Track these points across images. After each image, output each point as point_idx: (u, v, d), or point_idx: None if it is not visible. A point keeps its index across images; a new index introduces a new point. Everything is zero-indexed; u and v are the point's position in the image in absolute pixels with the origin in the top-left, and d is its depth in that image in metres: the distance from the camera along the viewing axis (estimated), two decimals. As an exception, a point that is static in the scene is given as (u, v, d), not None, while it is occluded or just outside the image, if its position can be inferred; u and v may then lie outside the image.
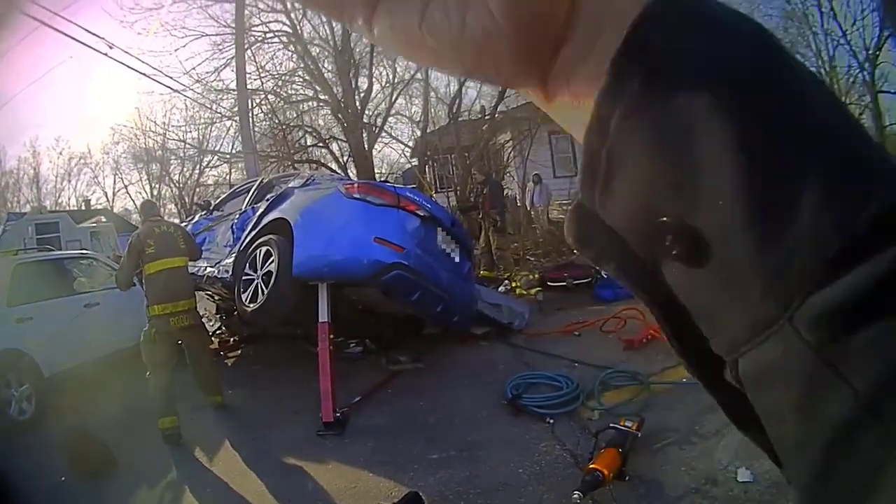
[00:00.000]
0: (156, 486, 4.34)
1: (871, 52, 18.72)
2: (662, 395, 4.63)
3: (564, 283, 8.39)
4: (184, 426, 5.15)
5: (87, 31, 9.92)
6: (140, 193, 30.25)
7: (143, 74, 11.75)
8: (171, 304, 4.96)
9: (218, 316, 8.61)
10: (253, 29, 13.03)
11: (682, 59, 0.26)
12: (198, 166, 22.47)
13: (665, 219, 0.26)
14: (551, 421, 4.29)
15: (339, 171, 11.84)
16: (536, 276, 9.06)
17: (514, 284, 8.96)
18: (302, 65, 13.49)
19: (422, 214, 5.29)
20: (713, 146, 0.25)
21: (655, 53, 0.26)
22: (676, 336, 0.31)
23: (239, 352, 7.70)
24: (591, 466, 3.25)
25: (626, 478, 3.36)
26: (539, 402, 4.52)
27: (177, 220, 12.50)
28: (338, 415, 4.59)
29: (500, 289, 8.73)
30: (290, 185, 6.09)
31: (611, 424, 3.73)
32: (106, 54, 10.35)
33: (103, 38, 10.28)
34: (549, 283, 8.51)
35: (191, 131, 17.45)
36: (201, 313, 8.67)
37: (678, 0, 0.27)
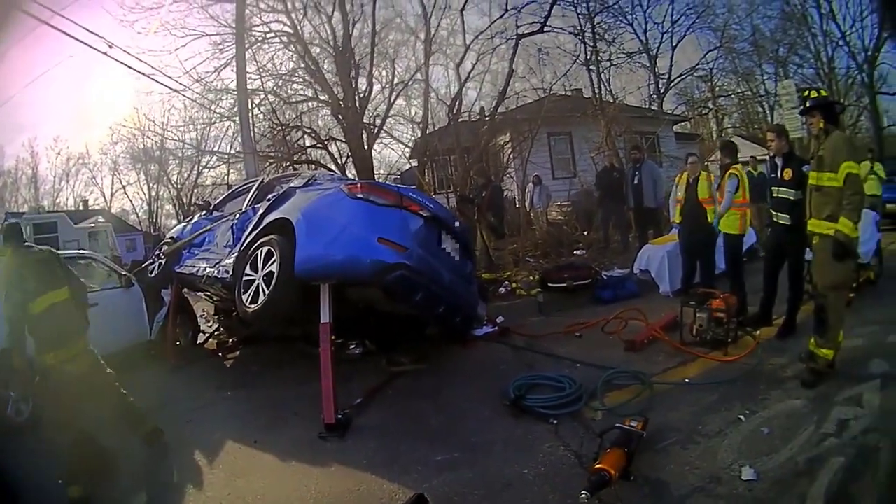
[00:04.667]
0: (155, 490, 4.29)
1: (869, 53, 18.82)
2: (665, 395, 4.67)
3: (565, 285, 8.42)
4: (183, 427, 5.14)
5: (87, 30, 9.89)
6: (138, 194, 30.39)
7: (143, 74, 11.73)
8: (63, 350, 4.27)
9: (216, 317, 8.58)
10: (253, 29, 13.02)
11: None
12: (196, 167, 22.52)
13: None
14: (555, 421, 4.32)
15: (338, 172, 11.79)
16: (536, 276, 9.09)
17: (513, 285, 9.03)
18: (302, 65, 13.47)
19: (425, 215, 5.22)
20: None
21: None
22: None
23: (237, 353, 7.68)
24: (597, 466, 3.26)
25: (632, 477, 3.39)
26: (542, 402, 4.53)
27: (174, 221, 12.47)
28: (339, 416, 4.56)
29: (500, 290, 8.72)
30: (291, 185, 6.03)
31: (616, 424, 3.75)
32: (106, 53, 10.33)
33: (103, 38, 10.26)
34: (549, 285, 8.55)
35: (189, 131, 17.48)
36: (199, 314, 8.71)
37: None
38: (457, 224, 5.75)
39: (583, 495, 3.06)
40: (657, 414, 4.22)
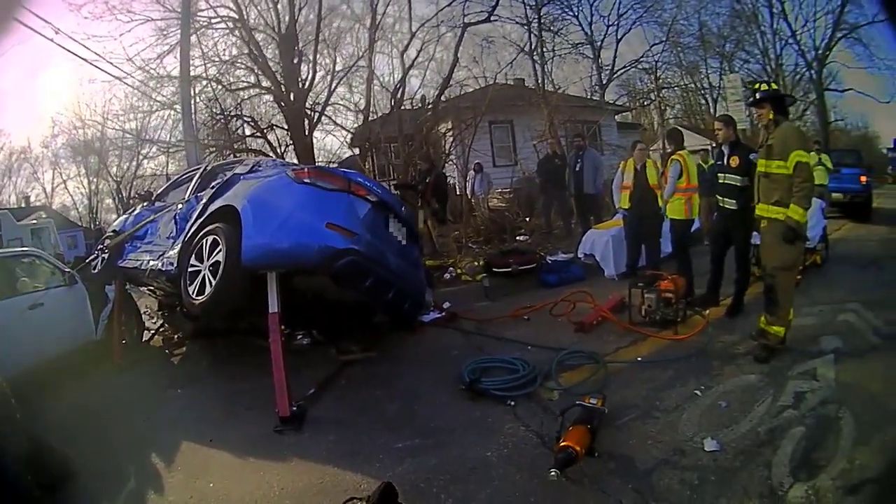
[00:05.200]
0: (117, 495, 4.11)
1: (820, 52, 19.63)
2: (619, 374, 4.79)
3: (510, 270, 8.54)
4: (137, 429, 4.96)
5: (34, 14, 9.39)
6: (78, 188, 29.22)
7: (86, 61, 11.25)
8: None
9: (160, 313, 8.33)
10: (199, 14, 12.78)
11: None
12: (136, 158, 21.84)
13: None
14: (512, 403, 4.36)
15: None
16: (481, 262, 9.19)
17: (458, 271, 9.08)
18: (246, 51, 13.31)
19: (372, 199, 5.17)
20: None
21: None
22: None
23: (184, 349, 7.47)
24: (562, 444, 3.31)
25: (596, 454, 3.44)
26: (497, 384, 4.57)
27: (114, 216, 12.11)
28: (294, 408, 4.50)
29: (445, 276, 8.76)
30: (235, 172, 5.86)
31: (577, 402, 3.83)
32: (52, 40, 9.84)
33: (50, 23, 9.78)
34: (494, 270, 8.63)
35: (130, 121, 16.87)
36: (143, 310, 8.45)
37: None
38: (403, 209, 5.73)
39: (552, 473, 3.11)
40: (613, 392, 4.32)
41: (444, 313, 6.96)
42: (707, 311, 6.00)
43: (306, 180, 4.90)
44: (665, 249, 7.40)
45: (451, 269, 9.15)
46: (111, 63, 12.00)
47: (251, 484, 3.78)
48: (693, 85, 23.84)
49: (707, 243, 7.12)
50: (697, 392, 4.27)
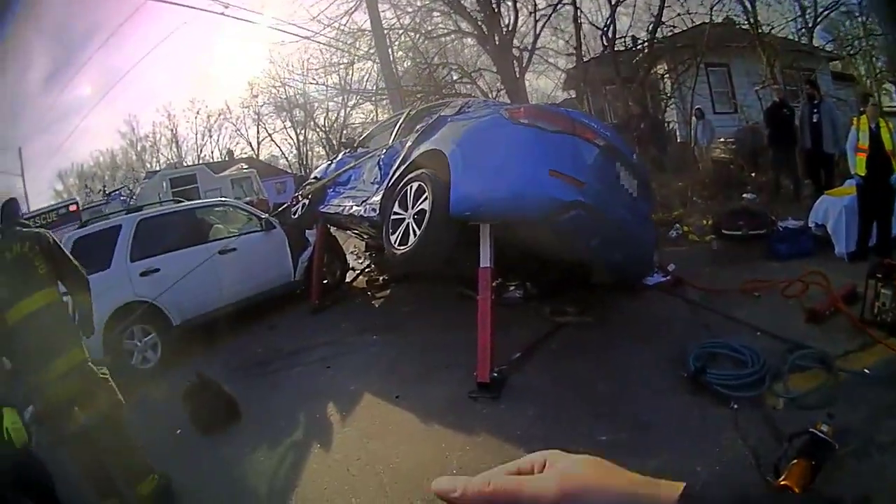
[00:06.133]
0: (280, 443, 4.03)
1: None
2: (845, 387, 3.82)
3: (740, 233, 7.54)
4: (319, 375, 4.94)
5: None
6: (286, 140, 31.62)
7: (271, 28, 11.81)
8: (44, 371, 3.31)
9: (367, 253, 8.42)
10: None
11: None
12: (343, 108, 22.80)
13: None
14: (735, 406, 3.65)
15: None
16: (710, 221, 8.14)
17: (685, 229, 8.12)
18: (438, -4, 12.92)
19: (600, 143, 4.36)
20: None
21: None
22: None
23: (388, 291, 7.47)
24: (782, 483, 2.86)
25: None
26: (724, 380, 3.86)
27: (322, 161, 12.70)
28: (495, 374, 4.06)
29: (671, 233, 7.80)
30: (441, 114, 5.37)
31: (808, 429, 3.13)
32: (222, 13, 10.38)
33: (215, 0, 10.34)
34: (723, 231, 7.68)
35: (330, 75, 17.50)
36: (351, 251, 8.58)
37: None
38: (634, 156, 4.86)
39: None
40: (837, 410, 3.39)
41: (668, 277, 6.12)
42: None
43: (524, 120, 4.22)
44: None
45: (676, 225, 8.21)
46: (294, 24, 12.35)
47: (427, 455, 3.48)
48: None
49: None
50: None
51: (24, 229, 3.63)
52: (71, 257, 3.71)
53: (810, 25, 16.98)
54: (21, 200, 5.69)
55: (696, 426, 3.52)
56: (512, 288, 6.00)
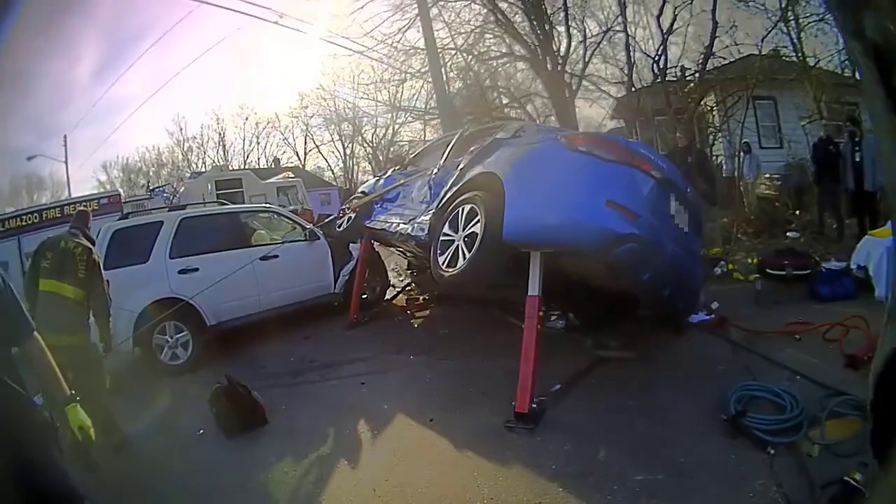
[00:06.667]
0: (305, 456, 4.00)
1: None
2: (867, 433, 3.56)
3: (783, 272, 7.39)
4: (351, 392, 4.93)
5: (252, 3, 10.18)
6: (333, 153, 32.12)
7: (324, 40, 12.07)
8: (51, 335, 3.52)
9: (409, 272, 8.43)
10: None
11: None
12: (392, 125, 23.00)
13: None
14: (772, 452, 3.52)
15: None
16: (755, 260, 7.99)
17: (730, 266, 7.97)
18: (492, 18, 13.02)
19: (657, 176, 4.30)
20: None
21: None
22: None
23: (427, 312, 7.44)
24: None
25: None
26: (763, 424, 3.73)
27: (369, 178, 12.84)
28: (534, 405, 3.99)
29: (716, 270, 7.67)
30: (496, 137, 5.37)
31: (843, 478, 3.07)
32: (276, 23, 10.61)
33: (270, 9, 10.55)
34: (767, 271, 7.53)
35: (380, 91, 17.76)
36: (392, 268, 8.55)
37: None
38: (689, 189, 4.79)
39: None
40: (871, 459, 3.21)
41: (712, 315, 5.98)
42: None
43: (581, 148, 4.20)
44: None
45: (722, 262, 8.04)
46: (346, 38, 12.71)
47: (459, 483, 3.40)
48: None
49: None
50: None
51: (84, 239, 4.47)
52: (104, 280, 4.42)
53: (853, 57, 16.58)
54: (62, 187, 5.99)
55: (732, 471, 3.41)
56: (554, 317, 5.94)
